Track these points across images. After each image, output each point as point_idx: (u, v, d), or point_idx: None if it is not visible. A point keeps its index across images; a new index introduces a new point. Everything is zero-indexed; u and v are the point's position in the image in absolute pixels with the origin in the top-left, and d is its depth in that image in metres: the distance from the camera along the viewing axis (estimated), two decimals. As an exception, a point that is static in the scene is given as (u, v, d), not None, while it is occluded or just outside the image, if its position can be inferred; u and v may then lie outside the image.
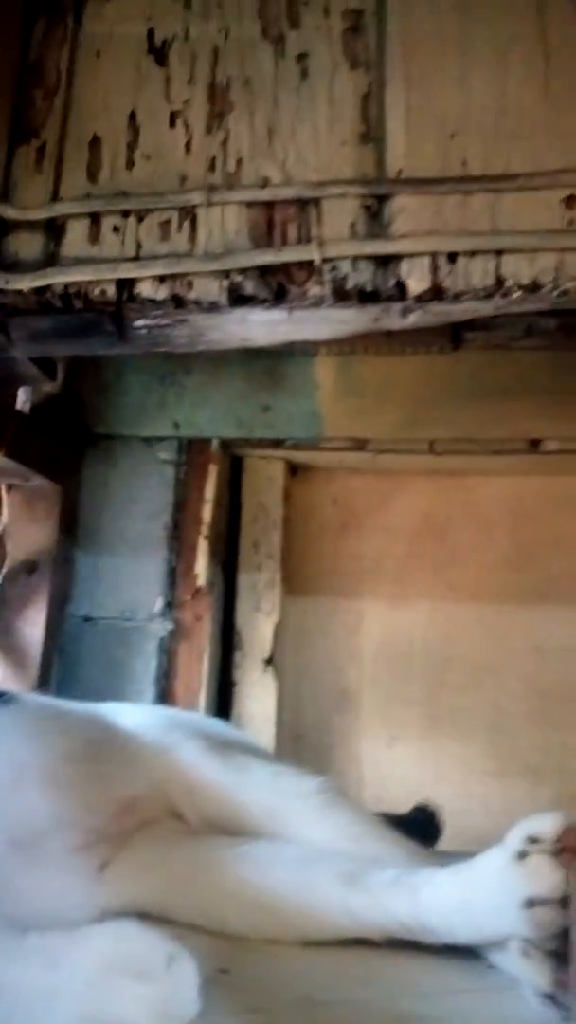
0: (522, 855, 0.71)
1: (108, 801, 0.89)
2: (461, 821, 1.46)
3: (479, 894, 0.71)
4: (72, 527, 1.85)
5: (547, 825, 0.73)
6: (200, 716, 1.32)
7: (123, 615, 1.81)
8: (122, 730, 0.99)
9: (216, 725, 1.14)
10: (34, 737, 0.90)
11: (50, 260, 1.35)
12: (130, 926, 0.61)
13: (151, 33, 1.42)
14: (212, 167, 1.36)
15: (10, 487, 1.82)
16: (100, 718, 1.02)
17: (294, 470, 2.00)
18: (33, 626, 1.76)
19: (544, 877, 0.69)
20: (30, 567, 1.78)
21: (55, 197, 1.38)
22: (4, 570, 1.78)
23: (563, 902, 0.67)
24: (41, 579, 1.78)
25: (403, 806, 1.40)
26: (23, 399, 1.82)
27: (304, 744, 1.86)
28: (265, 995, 0.66)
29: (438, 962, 0.73)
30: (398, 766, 1.79)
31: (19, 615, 1.76)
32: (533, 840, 0.72)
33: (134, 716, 1.03)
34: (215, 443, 1.87)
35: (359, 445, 1.84)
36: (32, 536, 1.80)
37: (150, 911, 0.81)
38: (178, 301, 1.31)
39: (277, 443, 1.90)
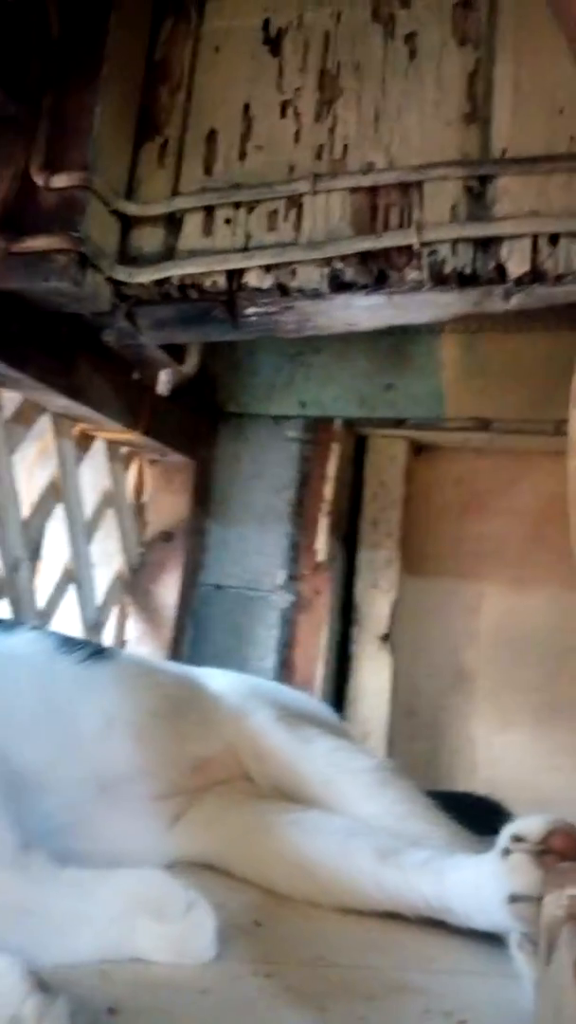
0: (506, 852, 0.73)
1: (186, 757, 0.99)
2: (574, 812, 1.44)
3: (481, 886, 0.73)
4: (205, 499, 1.97)
5: (533, 826, 0.74)
6: (280, 686, 1.40)
7: (248, 585, 1.91)
8: (206, 693, 1.08)
9: (295, 696, 1.21)
10: (124, 691, 1.01)
11: (169, 253, 1.44)
12: (156, 873, 0.69)
13: (267, 23, 1.46)
14: (319, 155, 1.38)
15: (150, 462, 1.96)
16: (188, 680, 1.12)
17: (418, 450, 2.00)
18: (168, 591, 1.90)
19: (523, 875, 0.71)
20: (167, 536, 1.92)
21: (174, 192, 1.47)
22: (144, 539, 1.93)
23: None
24: (176, 548, 1.92)
25: (515, 791, 1.40)
26: (163, 381, 1.95)
27: (418, 721, 1.88)
28: (284, 951, 0.72)
29: (460, 943, 0.76)
30: (511, 750, 1.77)
31: (156, 581, 1.91)
32: (518, 839, 0.74)
33: (220, 681, 1.12)
34: (338, 422, 1.91)
35: (483, 425, 1.81)
36: (169, 507, 1.94)
37: (213, 863, 0.90)
38: (282, 289, 1.36)
39: (399, 422, 1.90)
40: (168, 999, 0.59)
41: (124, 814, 0.92)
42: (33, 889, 0.64)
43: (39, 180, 1.41)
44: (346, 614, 1.92)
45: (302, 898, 0.82)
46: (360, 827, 0.86)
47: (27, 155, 1.44)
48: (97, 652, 1.11)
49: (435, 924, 0.78)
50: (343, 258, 1.31)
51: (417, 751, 1.88)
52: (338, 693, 1.86)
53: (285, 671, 1.83)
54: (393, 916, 0.79)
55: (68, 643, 1.07)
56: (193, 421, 1.95)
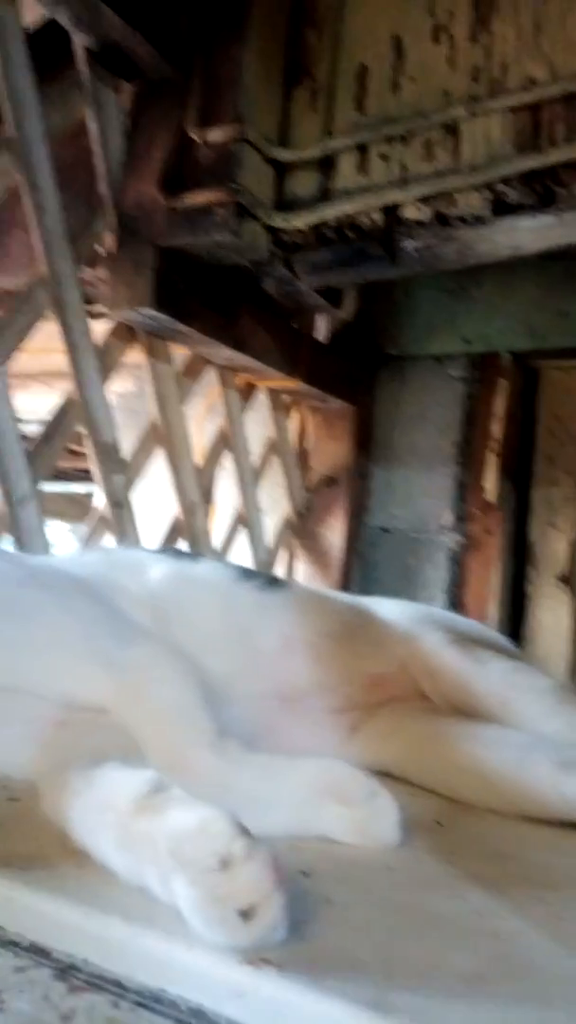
0: None
1: (361, 674, 1.02)
2: None
3: None
4: (367, 444, 1.98)
5: None
6: (452, 614, 1.39)
7: (414, 527, 1.91)
8: (377, 618, 1.11)
9: (467, 623, 1.21)
10: (300, 615, 1.06)
11: (324, 195, 1.45)
12: (340, 762, 0.73)
13: (415, -54, 1.42)
14: (475, 77, 1.34)
15: (312, 409, 2.01)
16: (359, 606, 1.16)
17: (599, 380, 1.91)
18: (334, 534, 1.95)
19: None
20: (330, 481, 1.96)
21: (327, 133, 1.48)
22: (309, 484, 1.98)
23: None
24: (340, 492, 1.96)
25: None
26: (322, 328, 1.98)
27: (598, 662, 1.83)
28: (465, 845, 0.74)
29: None
30: None
31: (322, 524, 1.96)
32: None
33: (391, 608, 1.14)
34: (506, 356, 1.86)
35: None
36: (331, 453, 1.98)
37: (391, 772, 0.93)
38: (442, 219, 1.34)
39: (575, 352, 1.83)
40: (356, 871, 0.63)
41: (305, 725, 0.97)
42: (230, 769, 0.70)
43: (195, 136, 1.47)
44: (519, 554, 1.88)
45: (483, 805, 0.84)
46: (540, 741, 0.86)
47: (182, 114, 1.50)
48: (273, 581, 1.17)
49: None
50: (506, 180, 1.27)
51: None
52: (514, 634, 1.84)
53: (457, 610, 1.83)
54: (574, 826, 0.79)
55: (247, 573, 1.14)
56: (352, 367, 1.96)
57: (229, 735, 0.74)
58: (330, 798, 0.69)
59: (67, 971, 0.45)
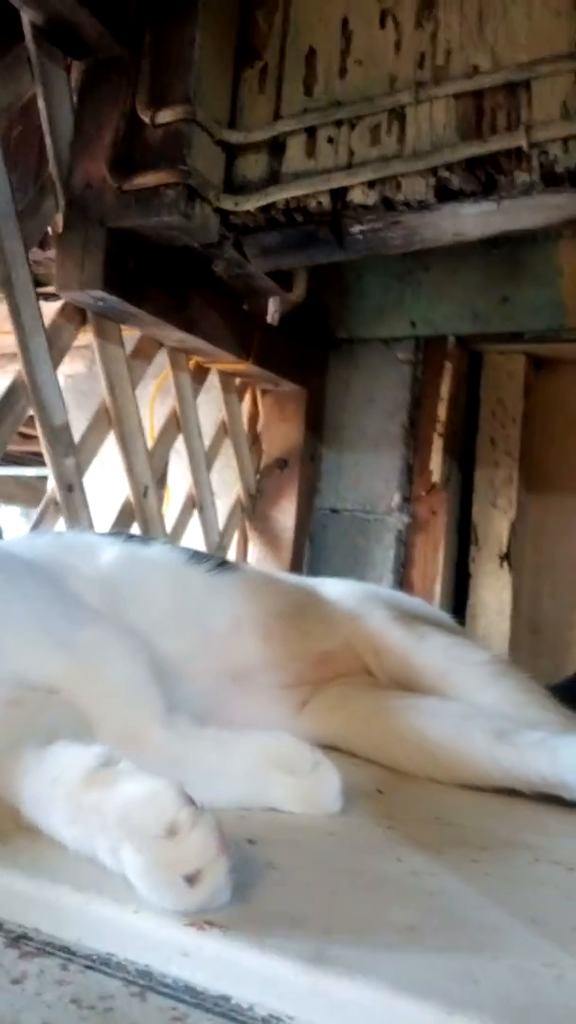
0: None
1: (308, 652, 1.05)
2: None
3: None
4: (317, 426, 2.01)
5: None
6: (396, 593, 1.44)
7: (363, 508, 1.95)
8: (324, 597, 1.14)
9: (410, 601, 1.25)
10: (250, 596, 1.08)
11: (273, 178, 1.46)
12: (286, 735, 0.76)
13: None
14: (421, 64, 1.36)
15: (263, 392, 2.02)
16: (307, 587, 1.19)
17: (537, 365, 1.96)
18: (285, 515, 1.97)
19: None
20: (281, 463, 1.99)
21: (276, 116, 1.48)
22: (261, 466, 2.00)
23: None
24: (291, 474, 1.98)
25: None
26: (272, 310, 1.99)
27: (542, 639, 1.89)
28: (405, 810, 0.78)
29: (573, 816, 0.79)
30: None
31: (273, 506, 1.99)
32: None
33: (336, 588, 1.18)
34: (451, 340, 1.89)
35: (608, 334, 1.75)
36: (283, 435, 2.00)
37: (338, 745, 0.97)
38: (388, 204, 1.36)
39: (516, 336, 1.87)
40: (300, 837, 0.66)
41: (255, 701, 1.00)
42: (180, 743, 0.73)
43: (145, 117, 1.46)
44: (463, 534, 1.93)
45: (422, 774, 0.88)
46: (476, 711, 0.90)
47: (132, 93, 1.49)
48: (223, 564, 1.20)
49: (548, 799, 0.82)
50: (449, 166, 1.30)
51: (541, 667, 1.88)
52: (458, 612, 1.89)
53: (403, 590, 1.87)
54: (509, 792, 0.84)
55: (197, 556, 1.16)
56: (303, 350, 1.98)
57: (179, 711, 0.77)
58: (276, 769, 0.72)
59: (19, 940, 0.47)
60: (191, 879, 0.50)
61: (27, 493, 4.25)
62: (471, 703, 0.94)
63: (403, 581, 1.90)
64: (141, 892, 0.50)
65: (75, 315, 1.58)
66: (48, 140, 1.54)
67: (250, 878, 0.56)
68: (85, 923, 0.50)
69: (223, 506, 1.90)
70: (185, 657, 0.96)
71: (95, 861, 0.54)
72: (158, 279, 1.57)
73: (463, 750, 0.86)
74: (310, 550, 1.99)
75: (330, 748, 0.96)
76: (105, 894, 0.51)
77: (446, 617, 1.24)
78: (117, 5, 1.51)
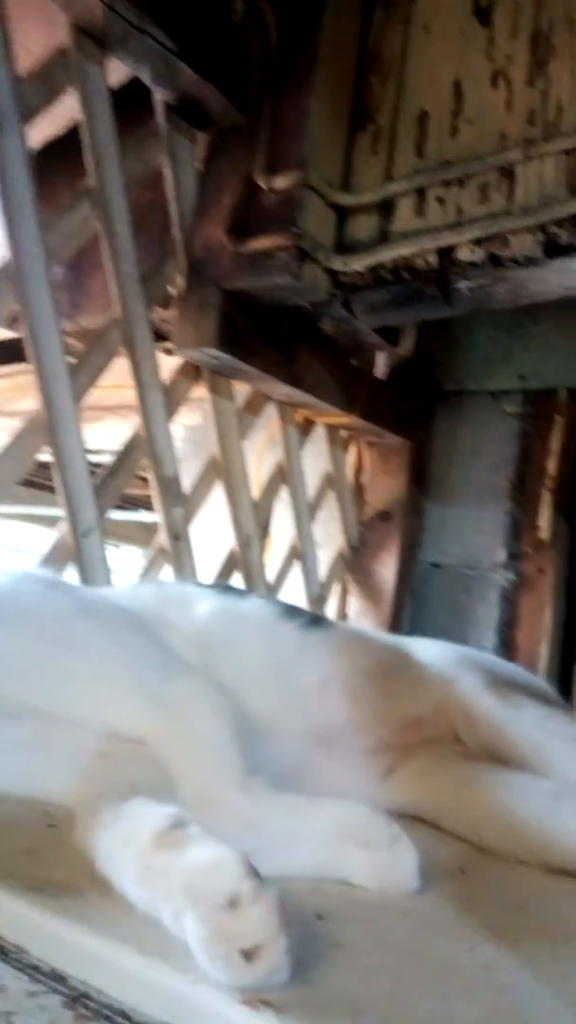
0: None
1: (396, 715, 1.04)
2: None
3: None
4: (422, 479, 1.99)
5: None
6: (492, 657, 1.39)
7: (467, 563, 1.91)
8: (416, 659, 1.12)
9: (505, 666, 1.20)
10: (339, 654, 1.08)
11: (382, 237, 1.49)
12: (363, 806, 0.75)
13: (476, -6, 1.45)
14: (531, 120, 1.36)
15: (368, 444, 2.03)
16: (398, 647, 1.17)
17: None
18: (386, 569, 1.96)
19: None
20: (384, 516, 1.98)
21: (387, 177, 1.51)
22: (364, 518, 2.01)
23: None
24: (394, 527, 1.97)
25: None
26: (380, 364, 2.01)
27: None
28: (485, 894, 0.75)
29: None
30: None
31: (375, 559, 1.98)
32: None
33: (430, 649, 1.15)
34: (562, 393, 1.85)
35: None
36: (386, 487, 1.99)
37: (423, 815, 0.94)
38: (495, 260, 1.35)
39: (630, 390, 1.81)
40: (372, 915, 0.65)
41: (339, 764, 0.99)
42: (256, 807, 0.73)
43: (262, 183, 1.52)
44: (572, 594, 1.86)
45: (508, 854, 0.84)
46: (569, 790, 0.86)
47: (251, 160, 1.56)
48: (316, 620, 1.20)
49: None
50: (558, 222, 1.28)
51: None
52: (564, 677, 1.81)
53: (507, 651, 1.82)
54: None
55: (291, 611, 1.17)
56: (409, 402, 1.98)
57: (258, 773, 0.77)
58: (351, 841, 0.71)
59: (78, 1000, 0.48)
60: (249, 955, 0.50)
61: (145, 534, 4.42)
62: (566, 781, 0.90)
63: (507, 641, 1.84)
64: (200, 962, 0.51)
65: (191, 371, 1.66)
66: (172, 207, 1.63)
67: (313, 957, 0.56)
68: (145, 988, 0.51)
69: (325, 557, 1.91)
70: (272, 714, 0.97)
71: (161, 925, 0.55)
72: (268, 337, 1.62)
73: (552, 831, 0.82)
74: (411, 605, 1.96)
75: (414, 819, 0.94)
76: (167, 961, 0.52)
77: (544, 685, 1.19)
78: (240, 78, 1.59)
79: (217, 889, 0.52)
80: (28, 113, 1.33)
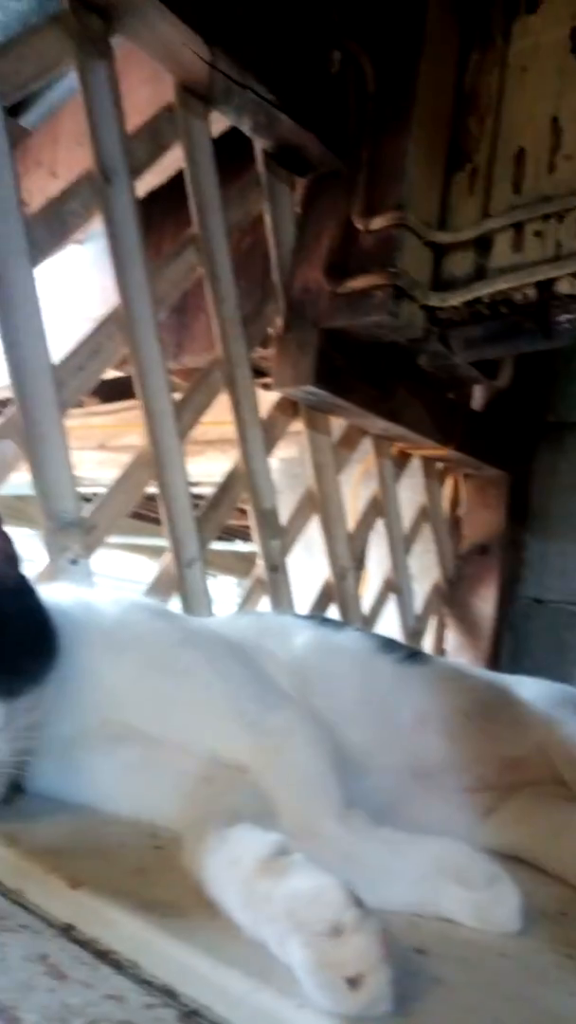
0: None
1: (496, 755, 1.02)
2: None
3: None
4: (522, 512, 1.97)
5: None
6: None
7: (570, 599, 1.87)
8: (516, 698, 1.10)
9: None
10: (437, 691, 1.08)
11: (479, 273, 1.50)
12: (463, 844, 0.74)
13: (574, 32, 1.46)
14: (630, 153, 1.35)
15: (465, 476, 2.02)
16: (498, 685, 1.15)
17: None
18: (485, 603, 1.93)
19: None
20: (482, 549, 1.96)
21: (484, 214, 1.53)
22: (461, 552, 1.99)
23: None
24: (492, 560, 1.95)
25: None
26: (478, 397, 2.01)
27: None
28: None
29: None
30: None
31: (473, 593, 1.96)
32: None
33: (530, 688, 1.13)
34: None
35: None
36: (484, 520, 1.98)
37: (523, 857, 0.92)
38: (597, 294, 1.35)
39: None
40: (470, 953, 0.64)
41: (437, 802, 0.99)
42: (354, 840, 0.74)
43: (359, 225, 1.57)
44: None
45: (615, 901, 0.82)
46: None
47: (349, 203, 1.61)
48: (413, 654, 1.20)
49: None
50: None
51: None
52: None
53: (612, 689, 1.76)
54: None
55: (388, 644, 1.18)
56: (508, 434, 1.97)
57: (357, 807, 0.78)
58: (450, 879, 0.71)
59: (190, 1015, 0.51)
60: (353, 982, 0.51)
61: (244, 565, 4.50)
62: None
63: (613, 679, 1.78)
64: (304, 987, 0.52)
65: (289, 407, 1.70)
66: (272, 251, 1.69)
67: (415, 991, 0.56)
68: (250, 1010, 0.52)
69: (421, 591, 1.91)
70: (368, 748, 0.97)
71: (266, 949, 0.57)
72: (365, 373, 1.65)
73: None
74: (511, 641, 1.93)
75: (514, 859, 0.93)
76: (272, 984, 0.54)
77: None
78: (337, 125, 1.65)
79: (320, 916, 0.54)
80: (137, 168, 1.42)
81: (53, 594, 0.92)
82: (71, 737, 0.85)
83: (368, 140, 1.63)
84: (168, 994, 0.53)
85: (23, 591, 0.86)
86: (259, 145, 1.65)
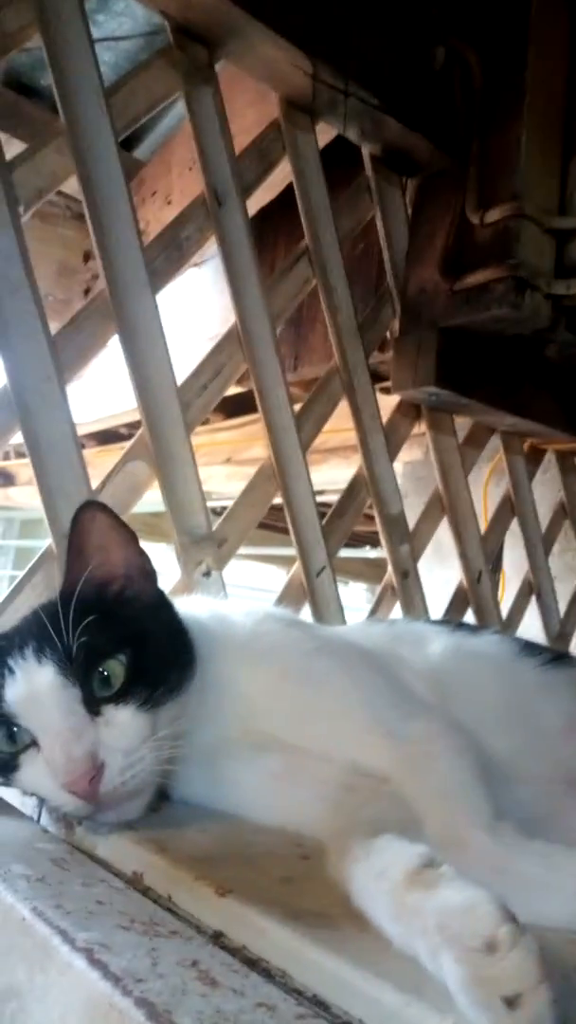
0: None
1: None
2: None
3: None
4: None
5: None
6: None
7: None
8: None
9: None
10: (585, 695, 1.02)
11: (605, 258, 1.43)
12: (626, 858, 0.70)
13: None
14: None
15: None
16: None
17: None
18: None
19: None
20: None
21: (606, 196, 1.46)
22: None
23: None
24: None
25: None
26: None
27: None
28: None
29: None
30: None
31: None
32: None
33: None
34: None
35: None
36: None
37: None
38: None
39: None
40: None
41: (596, 811, 0.93)
42: (505, 852, 0.71)
43: (474, 219, 1.53)
44: None
45: None
46: None
47: (461, 199, 1.57)
48: (558, 657, 1.15)
49: None
50: None
51: None
52: None
53: None
54: None
55: (529, 647, 1.13)
56: None
57: (507, 818, 0.75)
58: (611, 894, 0.67)
59: (344, 1027, 0.50)
60: (511, 1002, 0.49)
61: (373, 571, 4.48)
62: None
63: None
64: (459, 1004, 0.50)
65: (410, 410, 1.68)
66: (385, 254, 1.68)
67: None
68: (404, 1025, 0.51)
69: (564, 592, 1.82)
70: (514, 758, 0.93)
71: (417, 963, 0.55)
72: (488, 369, 1.61)
73: None
74: None
75: None
76: (424, 999, 0.52)
77: None
78: (445, 122, 1.62)
79: (474, 931, 0.52)
80: (247, 188, 1.44)
81: (189, 607, 0.95)
82: (214, 746, 0.87)
83: (478, 134, 1.59)
84: (319, 1004, 0.53)
85: (161, 605, 0.89)
86: (366, 150, 1.65)
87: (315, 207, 1.55)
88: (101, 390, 3.02)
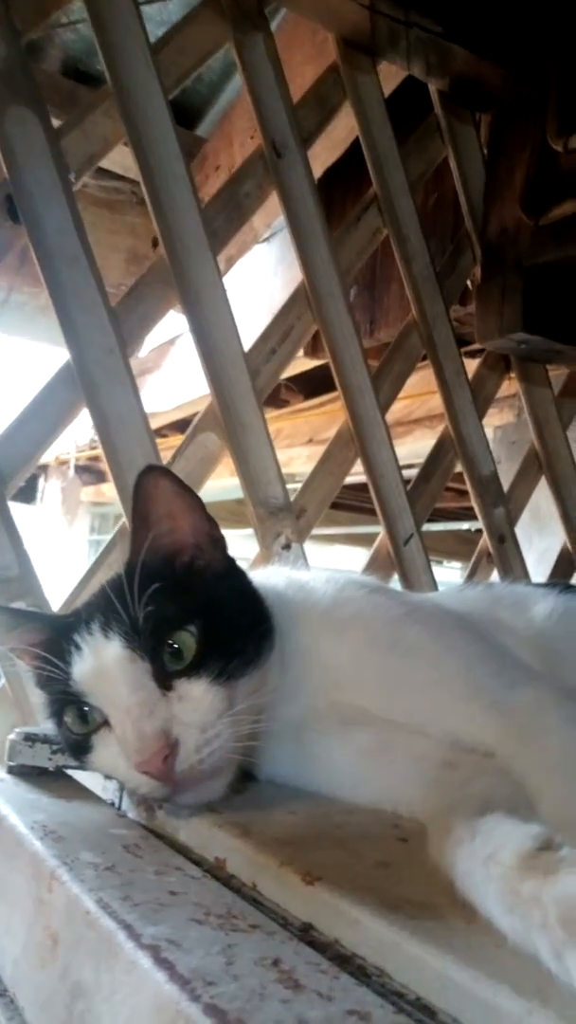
0: None
1: None
2: None
3: None
4: None
5: None
6: None
7: None
8: None
9: None
10: None
11: None
12: None
13: None
14: None
15: None
16: None
17: None
18: None
19: None
20: None
21: None
22: None
23: None
24: None
25: None
26: None
27: None
28: None
29: None
30: None
31: None
32: None
33: None
34: None
35: None
36: None
37: None
38: None
39: None
40: None
41: None
42: None
43: (557, 146, 1.41)
44: None
45: None
46: None
47: (542, 129, 1.44)
48: None
49: None
50: None
51: None
52: None
53: None
54: None
55: None
56: None
57: None
58: None
59: (452, 1037, 0.42)
60: None
61: (468, 548, 4.32)
62: None
63: None
64: (593, 1014, 0.42)
65: (498, 363, 1.56)
66: (461, 196, 1.57)
67: None
68: (527, 1036, 0.43)
69: None
70: None
71: (537, 961, 0.47)
72: (581, 310, 1.47)
73: None
74: None
75: None
76: (550, 1006, 0.43)
77: None
78: (517, 48, 1.49)
79: (605, 925, 0.43)
80: (307, 138, 1.36)
81: (265, 577, 0.88)
82: (300, 721, 0.80)
83: (556, 59, 1.46)
84: (424, 1010, 0.45)
85: (233, 573, 0.82)
86: (434, 87, 1.53)
87: (381, 152, 1.45)
88: (179, 379, 3.01)
